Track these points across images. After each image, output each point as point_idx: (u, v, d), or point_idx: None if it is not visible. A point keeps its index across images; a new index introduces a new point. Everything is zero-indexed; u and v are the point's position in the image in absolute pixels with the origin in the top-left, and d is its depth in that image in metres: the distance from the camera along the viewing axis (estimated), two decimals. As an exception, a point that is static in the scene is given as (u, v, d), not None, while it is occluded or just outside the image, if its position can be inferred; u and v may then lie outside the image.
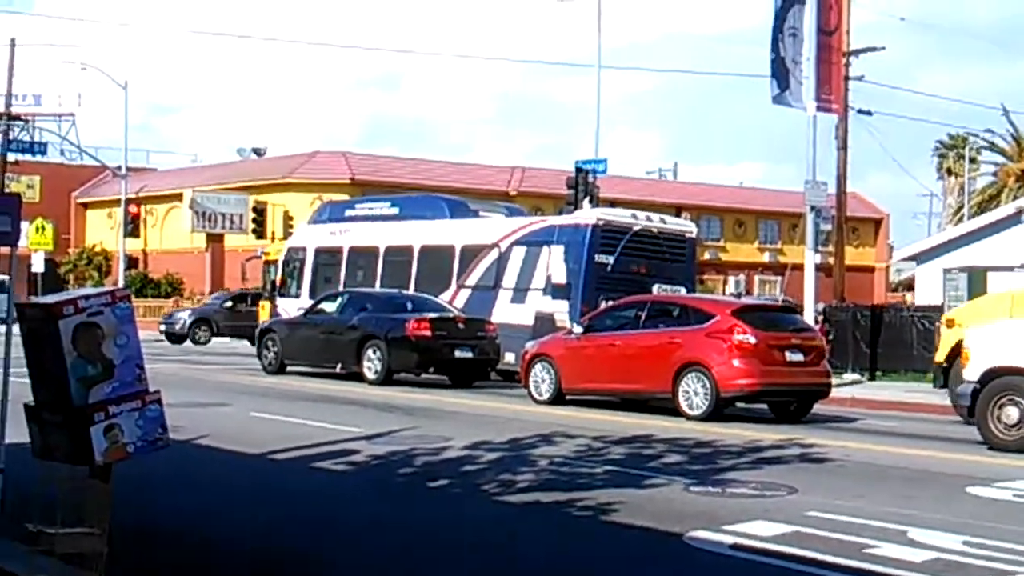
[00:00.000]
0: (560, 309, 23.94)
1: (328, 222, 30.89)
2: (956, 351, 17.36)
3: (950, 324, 19.30)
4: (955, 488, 11.01)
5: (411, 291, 25.88)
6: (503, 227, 26.60)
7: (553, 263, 24.56)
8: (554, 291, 24.29)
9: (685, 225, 26.85)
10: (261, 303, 45.29)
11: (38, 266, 50.00)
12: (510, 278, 25.42)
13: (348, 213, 30.72)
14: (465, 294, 25.85)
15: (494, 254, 25.91)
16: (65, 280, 56.84)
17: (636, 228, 24.80)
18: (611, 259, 24.04)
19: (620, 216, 25.76)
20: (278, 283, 31.36)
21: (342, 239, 29.58)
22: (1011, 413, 14.06)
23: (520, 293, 25.03)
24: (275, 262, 40.73)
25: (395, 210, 29.38)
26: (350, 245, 29.32)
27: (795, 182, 34.19)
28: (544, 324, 23.59)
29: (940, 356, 19.21)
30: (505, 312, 24.63)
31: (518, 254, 25.43)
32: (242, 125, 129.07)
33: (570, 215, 26.56)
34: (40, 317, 5.61)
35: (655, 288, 23.63)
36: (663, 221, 26.27)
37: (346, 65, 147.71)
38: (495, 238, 26.17)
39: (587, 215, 25.60)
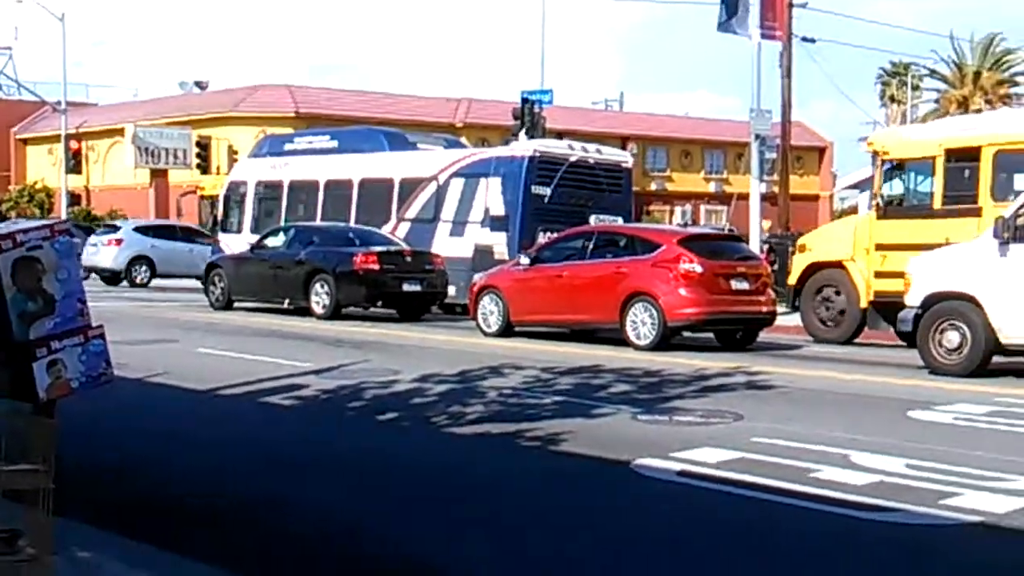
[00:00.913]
0: (499, 241, 24.16)
1: (268, 156, 30.73)
2: (807, 274, 19.51)
3: (801, 249, 20.35)
4: (897, 412, 11.19)
5: (352, 224, 25.86)
6: (441, 160, 26.59)
7: (491, 195, 24.74)
8: (492, 223, 24.46)
9: (621, 155, 26.97)
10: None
11: (-23, 204, 49.27)
12: (449, 211, 25.52)
13: (288, 147, 30.54)
14: (405, 227, 25.89)
15: (433, 187, 25.98)
16: (6, 218, 56.00)
17: (572, 159, 24.93)
18: (548, 190, 24.22)
19: (556, 147, 25.89)
20: (219, 218, 31.25)
21: (282, 173, 29.50)
22: (952, 338, 14.27)
23: (459, 226, 25.14)
24: (211, 198, 40.35)
25: (335, 143, 29.32)
26: (290, 179, 29.25)
27: (741, 112, 34.30)
28: (483, 256, 23.75)
29: (792, 279, 20.19)
30: (445, 245, 24.72)
31: (456, 186, 25.53)
32: (184, 58, 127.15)
33: (507, 147, 26.51)
34: (-23, 254, 5.52)
35: (592, 219, 23.84)
36: (599, 152, 26.33)
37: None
38: (434, 171, 26.17)
39: (524, 147, 25.64)
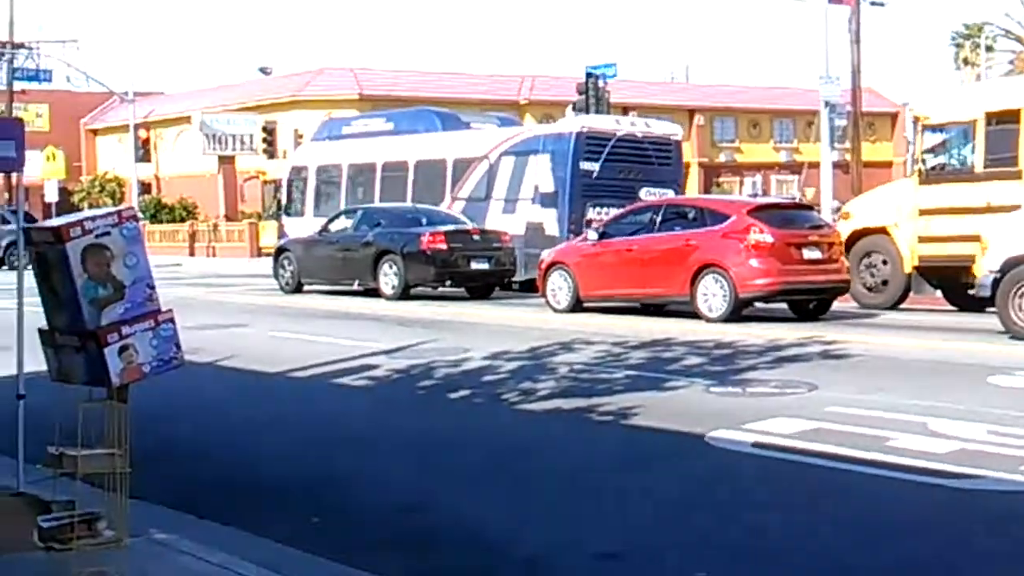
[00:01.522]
0: (548, 217, 24.38)
1: (328, 140, 31.13)
2: (851, 241, 19.23)
3: (845, 216, 20.26)
4: (977, 378, 10.98)
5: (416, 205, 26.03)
6: (493, 138, 26.77)
7: (540, 172, 24.83)
8: (542, 200, 24.64)
9: (670, 128, 26.90)
10: (262, 223, 45.48)
11: (51, 195, 50.01)
12: (500, 189, 25.68)
13: (346, 130, 30.98)
14: (459, 206, 26.01)
15: (484, 166, 26.14)
16: (79, 208, 56.87)
17: (620, 134, 24.96)
18: (596, 166, 24.27)
19: (603, 123, 26.04)
20: (283, 202, 31.73)
21: (342, 156, 29.83)
22: (1031, 302, 13.98)
23: (511, 203, 25.31)
24: (274, 182, 40.90)
25: (390, 125, 29.69)
26: (349, 162, 29.59)
27: (810, 80, 33.80)
28: (534, 233, 24.04)
29: None
30: (497, 222, 24.85)
31: (507, 165, 25.64)
32: (249, 45, 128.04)
33: (554, 124, 26.57)
34: (48, 241, 5.56)
35: (642, 192, 23.99)
36: (647, 125, 26.42)
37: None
38: (485, 150, 26.32)
39: (571, 123, 25.67)
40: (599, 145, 24.49)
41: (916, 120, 18.91)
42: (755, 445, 8.21)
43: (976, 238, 16.54)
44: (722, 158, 67.65)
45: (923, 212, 18.18)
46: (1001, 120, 17.25)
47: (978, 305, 17.99)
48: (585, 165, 24.25)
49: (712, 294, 17.17)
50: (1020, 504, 6.67)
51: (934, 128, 18.47)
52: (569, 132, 24.81)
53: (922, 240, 18.25)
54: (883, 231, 18.94)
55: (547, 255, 20.47)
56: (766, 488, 7.28)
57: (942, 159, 18.61)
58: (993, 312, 17.51)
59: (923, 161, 18.52)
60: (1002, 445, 7.92)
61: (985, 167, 17.37)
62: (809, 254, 17.44)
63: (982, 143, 17.45)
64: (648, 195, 23.87)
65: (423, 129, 28.55)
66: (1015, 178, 16.89)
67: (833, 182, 29.06)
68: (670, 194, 24.19)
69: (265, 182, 46.21)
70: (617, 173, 24.37)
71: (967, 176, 17.66)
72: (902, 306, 19.06)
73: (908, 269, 18.69)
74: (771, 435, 8.43)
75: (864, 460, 7.59)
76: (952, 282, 18.55)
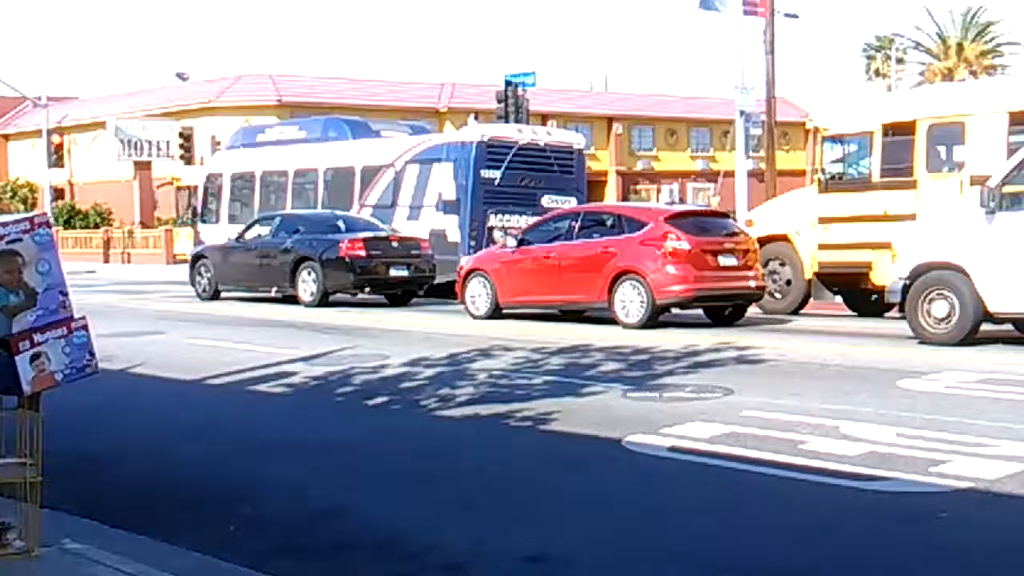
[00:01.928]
0: (451, 224, 25.08)
1: (243, 147, 31.53)
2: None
3: (749, 224, 20.78)
4: (887, 382, 11.20)
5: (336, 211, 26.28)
6: (399, 146, 27.35)
7: (443, 180, 25.50)
8: (445, 207, 25.31)
9: (572, 137, 27.51)
10: (176, 230, 45.25)
11: (-39, 201, 49.07)
12: (406, 196, 26.30)
13: (260, 138, 31.51)
14: (367, 213, 26.45)
15: (390, 173, 26.76)
16: (-10, 214, 55.81)
17: (522, 142, 25.66)
18: (498, 174, 25.00)
19: (505, 131, 26.82)
20: (199, 209, 32.02)
21: (255, 164, 30.30)
22: (940, 307, 14.28)
23: (415, 210, 25.99)
24: (188, 188, 41.47)
25: (302, 133, 30.27)
26: (263, 170, 30.07)
27: (726, 89, 34.18)
28: (437, 240, 24.49)
29: None
30: (402, 229, 25.23)
31: (412, 172, 26.31)
32: (165, 50, 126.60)
33: (457, 132, 27.31)
34: (-42, 247, 5.48)
35: (544, 200, 24.93)
36: (549, 134, 27.31)
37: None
38: (392, 158, 26.90)
39: (473, 132, 26.18)
40: (501, 153, 25.19)
41: (816, 131, 19.45)
42: (671, 449, 8.30)
43: (873, 246, 17.45)
44: (640, 166, 68.26)
45: (822, 220, 18.71)
46: (897, 132, 17.80)
47: (877, 310, 18.74)
48: (486, 173, 24.93)
49: (630, 300, 17.32)
50: (929, 504, 6.82)
51: (833, 139, 19.09)
52: (471, 141, 25.42)
53: (822, 247, 18.79)
54: (784, 238, 19.42)
55: (465, 261, 20.51)
56: (682, 491, 7.37)
57: (841, 169, 19.19)
58: (894, 317, 18.29)
59: (822, 171, 19.11)
60: (911, 448, 8.09)
61: (882, 177, 17.91)
62: (725, 261, 17.67)
63: (879, 154, 17.99)
64: (550, 203, 24.74)
65: (333, 137, 29.12)
66: (910, 187, 17.48)
67: (748, 190, 29.41)
68: (573, 202, 25.05)
69: (179, 188, 45.74)
70: (519, 181, 25.16)
71: (865, 185, 18.19)
72: (803, 311, 19.54)
73: (808, 275, 19.20)
74: (687, 439, 8.53)
75: (778, 463, 7.72)
76: (851, 288, 19.27)
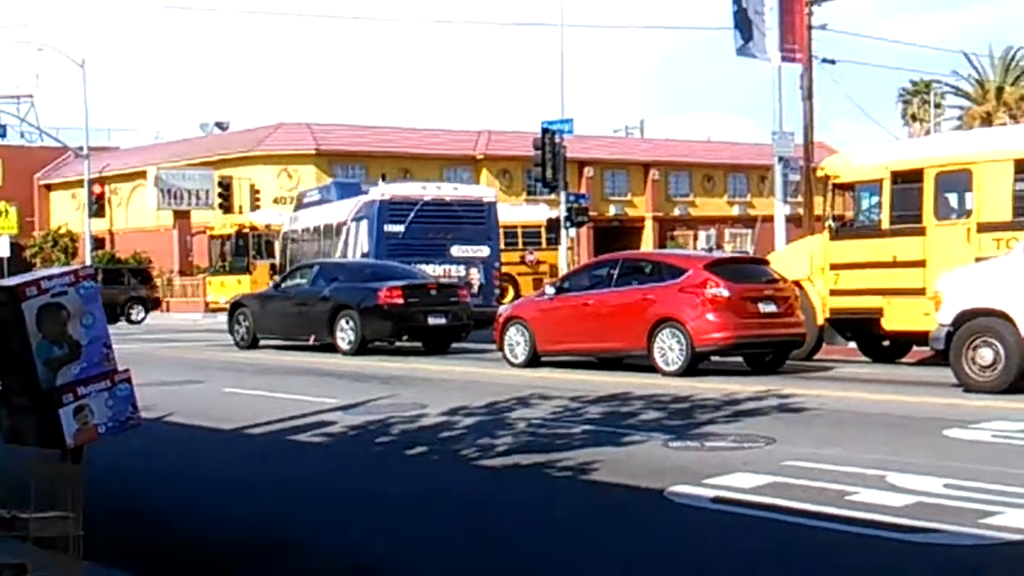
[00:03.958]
0: None
1: (298, 209, 35.58)
2: None
3: None
4: (933, 431, 11.04)
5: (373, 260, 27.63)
6: (350, 205, 30.35)
7: (362, 235, 28.83)
8: (363, 258, 28.06)
9: (483, 191, 30.81)
10: (209, 279, 45.81)
11: (3, 250, 49.61)
12: (349, 249, 29.36)
13: (305, 200, 35.29)
14: None
15: (343, 230, 30.02)
16: (31, 263, 56.38)
17: (427, 198, 28.93)
18: (402, 227, 28.13)
19: (409, 189, 30.41)
20: (279, 266, 35.92)
21: (299, 223, 34.35)
22: (985, 354, 14.11)
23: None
24: (220, 237, 43.70)
25: (318, 196, 34.04)
26: (300, 228, 34.08)
27: (762, 134, 34.19)
28: None
29: None
30: None
31: (352, 229, 29.51)
32: (205, 99, 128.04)
33: (370, 192, 30.35)
34: (2, 300, 5.49)
35: (453, 250, 27.80)
36: (456, 189, 30.76)
37: (308, 35, 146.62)
38: (345, 216, 30.12)
39: (378, 191, 29.59)
40: (404, 210, 28.38)
41: (827, 178, 19.54)
42: (715, 500, 8.20)
43: (882, 291, 17.87)
44: (677, 212, 68.21)
45: (833, 266, 18.84)
46: (906, 179, 17.93)
47: (890, 356, 19.13)
48: (390, 227, 28.16)
49: (669, 348, 17.21)
50: (977, 557, 6.69)
51: (843, 186, 19.26)
52: (375, 200, 28.87)
53: (833, 293, 18.89)
54: (797, 284, 19.34)
55: (504, 309, 20.49)
56: (728, 544, 7.26)
57: (851, 216, 19.40)
58: (908, 363, 18.96)
59: (833, 218, 19.22)
60: (958, 499, 7.95)
61: (891, 223, 18.04)
62: (765, 308, 17.55)
63: (888, 201, 18.12)
64: (461, 252, 27.94)
65: (331, 198, 32.41)
66: (919, 234, 17.61)
67: (787, 235, 29.29)
68: (485, 250, 28.23)
69: (212, 237, 45.97)
70: (425, 234, 28.05)
71: (874, 232, 18.36)
72: (816, 357, 19.47)
73: (820, 321, 19.22)
74: (731, 490, 8.42)
75: (824, 514, 7.59)
76: (864, 333, 19.29)
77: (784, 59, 27.95)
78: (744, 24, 27.03)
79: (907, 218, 17.82)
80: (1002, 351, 13.97)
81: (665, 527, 7.71)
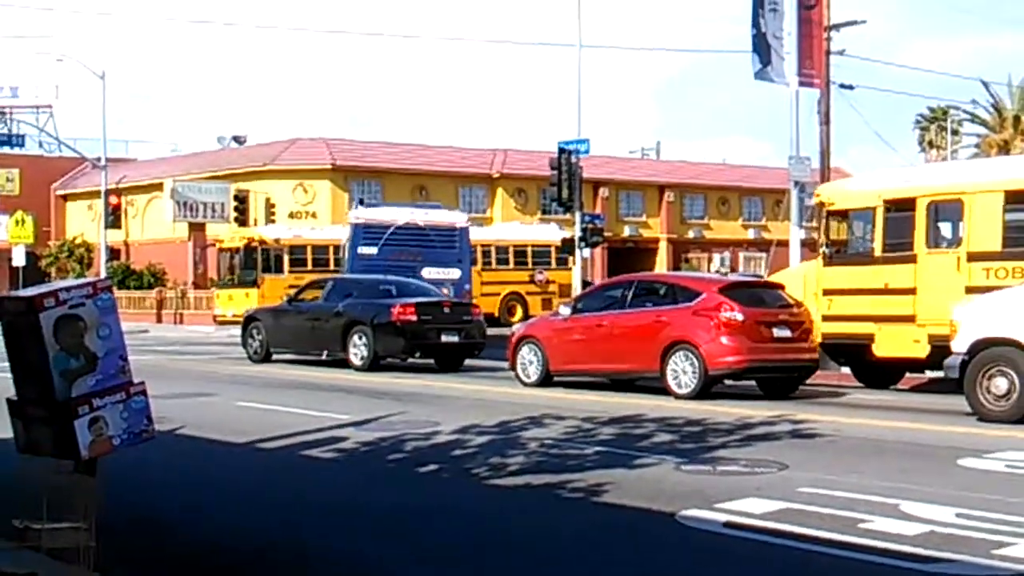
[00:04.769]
0: None
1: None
2: None
3: None
4: (946, 460, 10.99)
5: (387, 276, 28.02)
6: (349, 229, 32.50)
7: (345, 255, 31.54)
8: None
9: (455, 217, 32.39)
10: (217, 292, 45.77)
11: (19, 259, 49.73)
12: (343, 266, 31.67)
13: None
14: None
15: (341, 250, 32.76)
16: (47, 273, 56.52)
17: (399, 223, 30.89)
18: (375, 250, 29.87)
19: (382, 214, 32.28)
20: None
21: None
22: (1000, 384, 14.06)
23: None
24: (229, 250, 44.02)
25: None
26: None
27: (778, 158, 34.17)
28: None
29: None
30: None
31: (344, 249, 32.02)
32: (222, 113, 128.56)
33: (350, 215, 33.02)
34: (21, 310, 5.52)
35: (424, 272, 29.11)
36: (428, 214, 32.18)
37: (326, 49, 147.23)
38: (344, 238, 32.34)
39: (354, 215, 32.09)
40: (377, 233, 30.31)
41: (821, 206, 19.75)
42: (727, 525, 8.17)
43: (874, 318, 18.12)
44: (691, 234, 68.10)
45: (827, 292, 18.99)
46: (899, 207, 18.20)
47: (883, 382, 19.19)
48: (363, 249, 30.02)
49: (682, 371, 17.17)
50: (992, 589, 6.65)
51: (838, 213, 19.40)
52: (351, 223, 31.41)
53: (825, 319, 18.95)
54: None
55: (517, 328, 20.48)
56: (738, 569, 7.23)
57: (845, 242, 19.51)
58: (902, 389, 19.23)
59: (827, 244, 19.40)
60: (972, 529, 7.91)
61: (883, 251, 18.28)
62: (779, 332, 17.51)
63: (881, 228, 18.38)
64: (432, 274, 29.37)
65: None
66: (911, 262, 17.86)
67: (801, 260, 29.21)
68: (456, 272, 29.54)
69: (221, 250, 45.90)
70: (397, 255, 29.56)
71: (867, 259, 18.57)
72: (809, 382, 19.09)
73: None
74: (743, 515, 8.39)
75: (837, 542, 7.56)
76: (857, 359, 19.38)
77: (802, 84, 27.93)
78: (763, 48, 27.03)
79: (899, 246, 18.10)
80: (1017, 381, 13.90)
81: (676, 551, 7.68)
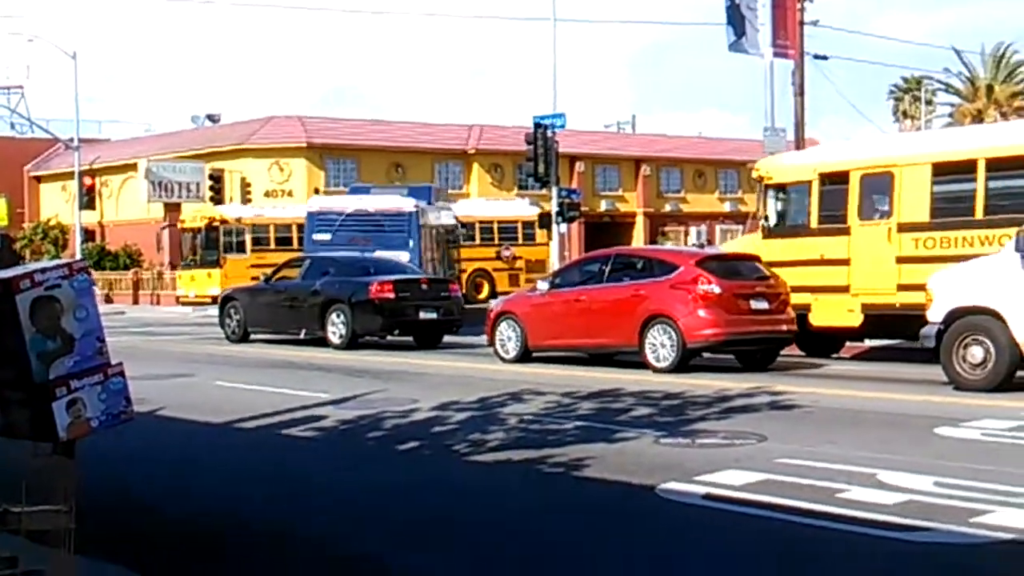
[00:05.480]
0: None
1: None
2: None
3: None
4: (923, 429, 11.07)
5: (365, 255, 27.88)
6: None
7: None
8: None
9: (402, 202, 33.19)
10: (179, 272, 45.29)
11: (-7, 242, 49.34)
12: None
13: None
14: None
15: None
16: (21, 255, 56.17)
17: (350, 210, 32.40)
18: (329, 235, 31.51)
19: (335, 202, 34.53)
20: None
21: None
22: (975, 353, 14.15)
23: None
24: (191, 230, 43.56)
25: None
26: None
27: (755, 130, 34.27)
28: None
29: None
30: None
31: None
32: (196, 92, 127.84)
33: (308, 204, 35.44)
34: (-4, 293, 5.47)
35: (376, 255, 29.24)
36: (377, 201, 33.26)
37: (300, 27, 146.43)
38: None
39: (310, 204, 34.91)
40: (331, 220, 32.08)
41: (760, 179, 20.13)
42: (706, 497, 8.21)
43: (811, 289, 18.58)
44: (668, 208, 68.19)
45: (767, 264, 19.08)
46: (833, 180, 18.65)
47: (823, 351, 19.61)
48: (318, 236, 31.76)
49: (660, 344, 17.22)
50: (969, 557, 6.71)
51: (776, 187, 19.78)
52: (308, 211, 33.69)
53: None
54: None
55: (495, 304, 20.47)
56: (718, 540, 7.27)
57: (782, 215, 19.85)
58: (843, 357, 19.65)
59: (765, 217, 19.81)
60: (951, 497, 7.97)
61: (819, 223, 18.72)
62: (756, 304, 17.57)
63: (816, 201, 18.82)
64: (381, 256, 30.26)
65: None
66: (844, 234, 18.29)
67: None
68: (404, 256, 30.04)
69: (183, 230, 45.52)
70: (349, 239, 30.76)
71: (803, 231, 19.01)
72: None
73: None
74: (722, 487, 8.43)
75: (815, 512, 7.61)
76: (798, 328, 19.30)
77: (776, 55, 28.02)
78: (737, 19, 27.10)
79: (833, 218, 18.50)
80: (992, 349, 14.00)
81: (656, 523, 7.72)
